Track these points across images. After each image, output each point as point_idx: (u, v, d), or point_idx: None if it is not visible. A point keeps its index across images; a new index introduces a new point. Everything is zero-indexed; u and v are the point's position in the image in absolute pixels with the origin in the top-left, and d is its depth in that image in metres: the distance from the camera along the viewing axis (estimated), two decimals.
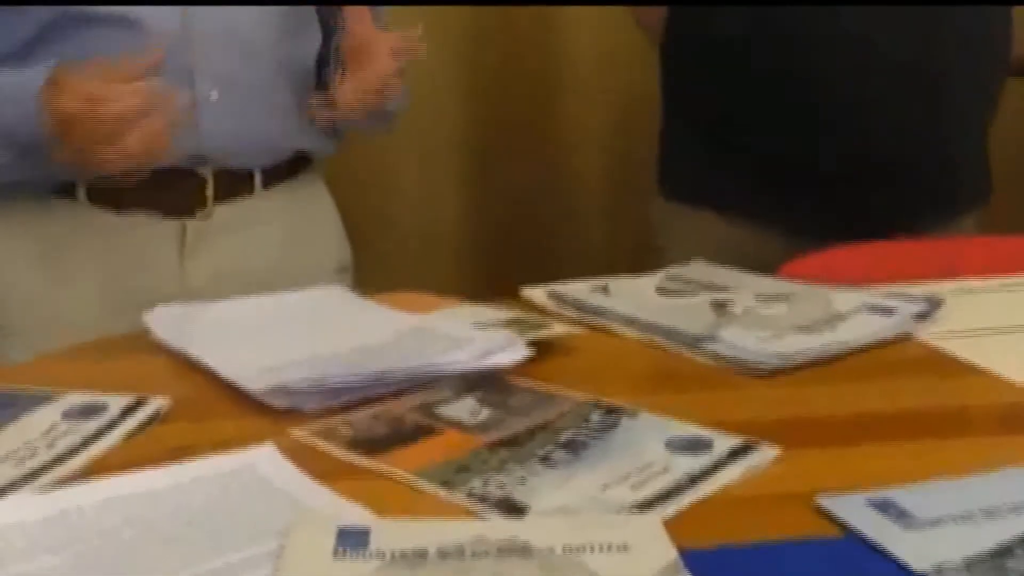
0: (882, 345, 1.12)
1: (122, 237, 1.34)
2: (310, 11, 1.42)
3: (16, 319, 1.38)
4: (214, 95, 1.32)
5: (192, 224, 1.38)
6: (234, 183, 1.38)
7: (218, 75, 1.32)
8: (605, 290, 1.28)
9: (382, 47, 1.35)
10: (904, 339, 1.14)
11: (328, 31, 1.42)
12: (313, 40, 1.42)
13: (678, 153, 1.69)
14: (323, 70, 1.40)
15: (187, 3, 1.30)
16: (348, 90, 1.36)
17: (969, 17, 1.55)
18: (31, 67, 1.24)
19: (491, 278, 1.98)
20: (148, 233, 1.36)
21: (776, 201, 1.57)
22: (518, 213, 2.23)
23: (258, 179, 1.40)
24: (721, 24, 1.57)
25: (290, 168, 1.44)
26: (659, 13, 1.68)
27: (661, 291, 1.29)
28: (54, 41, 1.28)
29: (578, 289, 1.28)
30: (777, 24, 1.52)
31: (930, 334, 1.15)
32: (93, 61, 1.21)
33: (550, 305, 1.23)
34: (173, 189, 1.35)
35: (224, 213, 1.38)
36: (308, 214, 1.49)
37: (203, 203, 1.37)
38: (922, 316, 1.18)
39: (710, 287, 1.28)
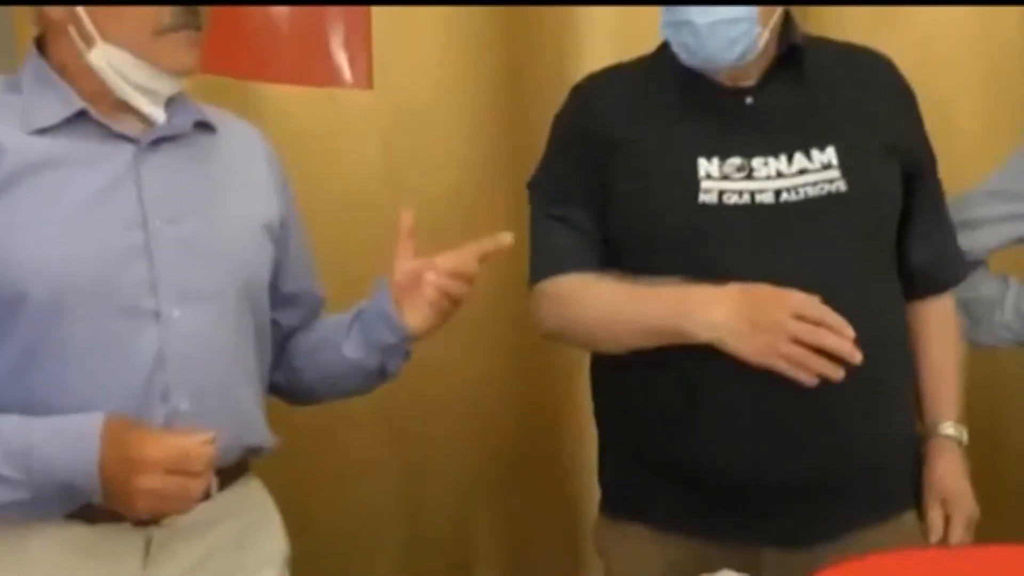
0: None
1: (90, 548, 1.39)
2: (267, 324, 1.55)
3: None
4: (184, 406, 1.40)
5: (157, 532, 1.42)
6: None
7: (190, 388, 1.41)
8: None
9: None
10: None
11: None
12: (267, 350, 1.55)
13: (613, 469, 1.68)
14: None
15: None
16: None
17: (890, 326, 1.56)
18: (79, 414, 1.33)
19: None
20: (115, 543, 1.40)
21: (707, 515, 1.54)
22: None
23: (214, 484, 1.44)
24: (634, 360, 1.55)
25: (238, 468, 1.51)
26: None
27: None
28: (33, 368, 1.36)
29: None
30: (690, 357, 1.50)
31: None
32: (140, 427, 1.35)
33: None
34: None
35: (186, 519, 1.42)
36: (256, 512, 1.55)
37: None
38: None
39: None
